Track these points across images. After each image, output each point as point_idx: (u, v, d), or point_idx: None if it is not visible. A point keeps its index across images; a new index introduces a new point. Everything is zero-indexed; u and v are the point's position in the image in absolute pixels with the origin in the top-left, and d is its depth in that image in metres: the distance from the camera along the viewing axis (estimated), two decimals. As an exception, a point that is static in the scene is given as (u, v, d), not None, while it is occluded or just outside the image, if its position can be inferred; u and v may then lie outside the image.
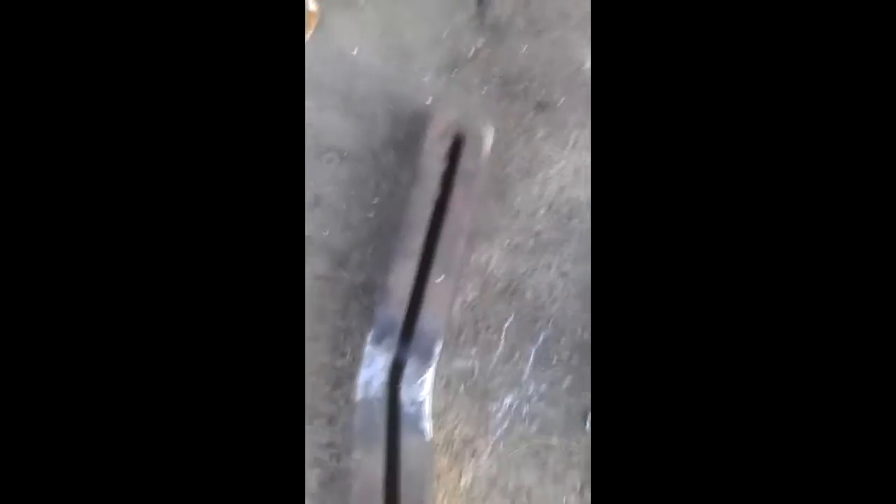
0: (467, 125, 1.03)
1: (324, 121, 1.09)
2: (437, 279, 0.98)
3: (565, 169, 1.08)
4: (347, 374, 1.01)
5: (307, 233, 1.06)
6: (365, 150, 1.09)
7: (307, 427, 1.01)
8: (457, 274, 1.00)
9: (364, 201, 1.08)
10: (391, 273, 0.99)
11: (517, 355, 1.05)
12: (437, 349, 0.97)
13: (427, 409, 0.95)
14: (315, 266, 1.06)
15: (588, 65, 1.10)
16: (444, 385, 1.03)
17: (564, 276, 1.06)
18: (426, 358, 0.96)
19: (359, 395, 0.96)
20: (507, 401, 1.03)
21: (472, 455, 1.02)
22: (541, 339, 1.05)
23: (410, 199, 1.01)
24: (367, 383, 0.96)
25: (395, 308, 0.98)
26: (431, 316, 0.97)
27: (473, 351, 1.05)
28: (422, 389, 0.96)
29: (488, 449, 1.02)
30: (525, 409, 1.03)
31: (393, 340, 0.97)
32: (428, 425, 0.95)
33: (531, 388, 1.04)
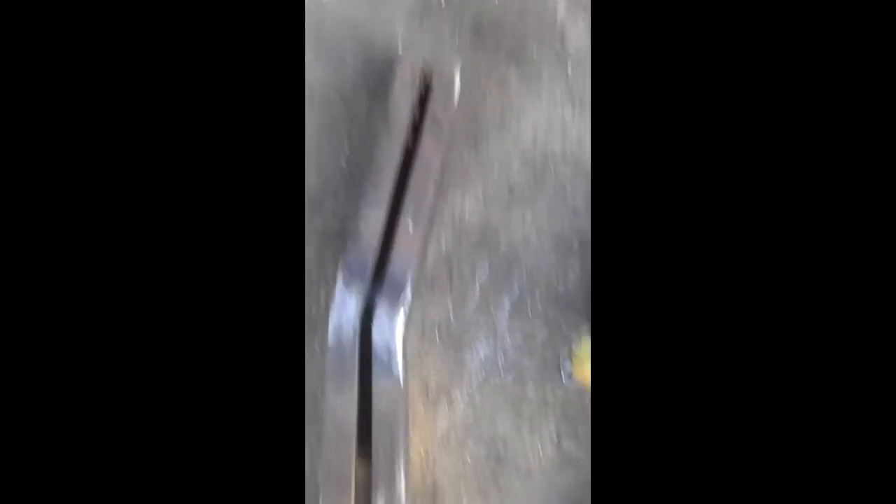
0: (437, 72, 1.03)
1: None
2: (406, 225, 0.97)
3: (539, 121, 1.08)
4: (322, 321, 1.00)
5: (277, 181, 1.05)
6: (335, 95, 1.08)
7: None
8: (427, 220, 0.98)
9: (335, 147, 1.07)
10: (361, 218, 0.98)
11: (492, 307, 1.03)
12: (408, 293, 0.95)
13: (399, 353, 0.94)
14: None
15: (561, 15, 1.10)
16: (420, 334, 1.02)
17: (539, 230, 1.05)
18: (396, 302, 0.95)
19: (330, 339, 0.94)
20: (483, 351, 1.02)
21: (449, 403, 1.00)
22: (516, 291, 1.04)
23: (380, 146, 1.00)
24: (338, 327, 0.95)
25: (365, 253, 0.96)
26: (401, 261, 0.96)
27: (448, 301, 1.04)
28: (393, 333, 0.94)
29: (464, 398, 1.01)
30: (501, 360, 1.02)
31: (363, 284, 0.95)
32: (400, 369, 0.93)
33: (507, 340, 1.03)
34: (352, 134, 1.07)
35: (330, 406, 0.92)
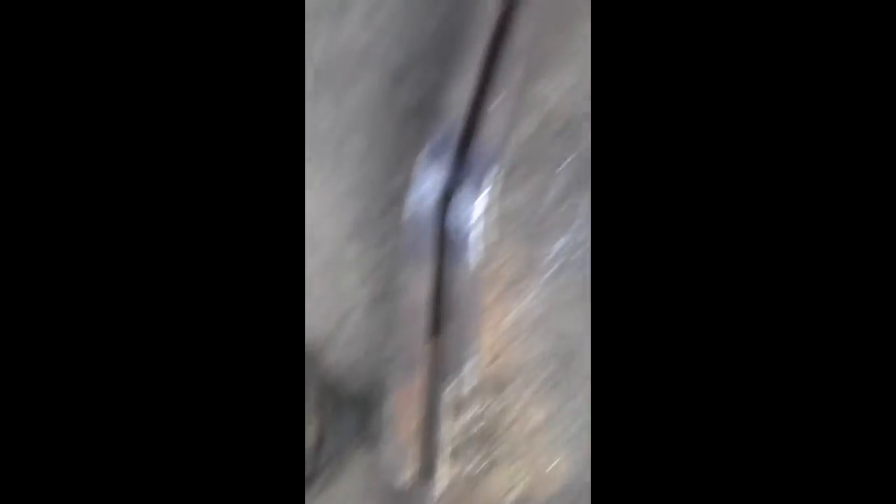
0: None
1: (382, -73, 1.01)
2: (493, 105, 0.91)
3: (636, 6, 1.00)
4: (399, 197, 0.95)
5: (359, 48, 1.00)
6: (426, -39, 1.01)
7: (356, 248, 0.97)
8: (514, 101, 0.93)
9: (420, 17, 1.00)
10: (446, 95, 0.92)
11: (571, 199, 0.98)
12: (491, 175, 0.90)
13: (476, 238, 0.90)
14: (371, 83, 1.00)
15: None
16: (496, 220, 0.98)
17: (624, 123, 0.98)
18: (478, 183, 0.90)
19: (406, 217, 0.90)
20: (558, 245, 0.98)
21: (518, 295, 0.97)
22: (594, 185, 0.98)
23: (471, 17, 0.94)
24: (417, 203, 0.91)
25: (449, 131, 0.91)
26: (486, 142, 0.91)
27: (527, 189, 0.99)
28: (472, 216, 0.90)
29: (535, 291, 0.97)
30: (575, 256, 0.98)
31: (445, 162, 0.91)
32: (475, 254, 0.89)
33: (583, 235, 0.98)
34: (440, 2, 1.00)
35: (403, 287, 0.88)
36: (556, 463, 0.95)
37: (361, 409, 0.98)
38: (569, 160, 0.99)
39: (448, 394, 0.87)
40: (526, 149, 0.99)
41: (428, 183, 0.91)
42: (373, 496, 0.97)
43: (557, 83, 1.00)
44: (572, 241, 0.98)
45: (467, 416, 0.90)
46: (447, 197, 0.91)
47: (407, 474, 0.88)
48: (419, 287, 0.89)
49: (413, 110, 0.99)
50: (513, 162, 0.99)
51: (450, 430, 0.88)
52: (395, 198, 0.97)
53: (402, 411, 0.87)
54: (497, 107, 0.92)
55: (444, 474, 0.87)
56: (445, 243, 0.90)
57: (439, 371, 0.88)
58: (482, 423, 0.95)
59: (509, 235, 0.98)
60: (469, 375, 0.88)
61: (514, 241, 0.97)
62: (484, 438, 0.95)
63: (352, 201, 1.00)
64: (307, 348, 0.99)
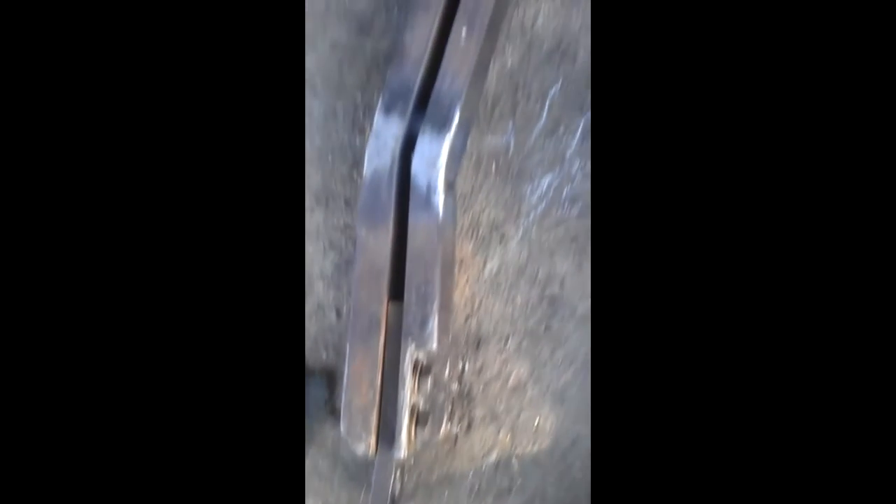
0: None
1: None
2: (459, 34, 0.83)
3: None
4: (363, 152, 0.91)
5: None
6: None
7: (322, 210, 0.93)
8: (486, 28, 0.84)
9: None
10: (408, 28, 0.85)
11: (562, 129, 0.90)
12: (456, 116, 0.83)
13: (441, 185, 0.84)
14: (334, 33, 0.94)
15: None
16: (474, 164, 0.91)
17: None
18: (442, 126, 0.83)
19: (366, 170, 0.85)
20: (546, 181, 0.91)
21: (501, 240, 0.91)
22: (591, 108, 0.89)
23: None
24: (376, 157, 0.85)
25: (410, 70, 0.84)
26: (451, 77, 0.83)
27: (510, 125, 0.91)
28: (436, 163, 0.84)
29: (519, 234, 0.91)
30: (566, 190, 0.90)
31: (406, 107, 0.84)
32: (441, 203, 0.83)
33: (576, 166, 0.90)
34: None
35: (362, 244, 0.84)
36: (540, 419, 0.91)
37: (328, 379, 0.96)
38: (559, 84, 0.90)
39: (410, 356, 0.84)
40: (509, 80, 0.90)
41: (389, 131, 0.85)
42: (341, 467, 0.96)
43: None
44: (563, 174, 0.90)
45: (437, 378, 0.86)
46: (409, 145, 0.85)
47: (367, 443, 0.85)
48: (379, 245, 0.85)
49: (378, 59, 0.93)
50: (495, 96, 0.91)
51: (413, 395, 0.85)
52: (360, 153, 0.92)
53: (360, 378, 0.84)
54: (465, 36, 0.83)
55: (406, 441, 0.85)
56: (407, 195, 0.85)
57: (401, 333, 0.84)
58: (457, 384, 0.92)
59: (490, 178, 0.91)
60: (434, 334, 0.84)
61: (495, 183, 0.91)
62: (459, 398, 0.92)
63: (314, 167, 0.96)
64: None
